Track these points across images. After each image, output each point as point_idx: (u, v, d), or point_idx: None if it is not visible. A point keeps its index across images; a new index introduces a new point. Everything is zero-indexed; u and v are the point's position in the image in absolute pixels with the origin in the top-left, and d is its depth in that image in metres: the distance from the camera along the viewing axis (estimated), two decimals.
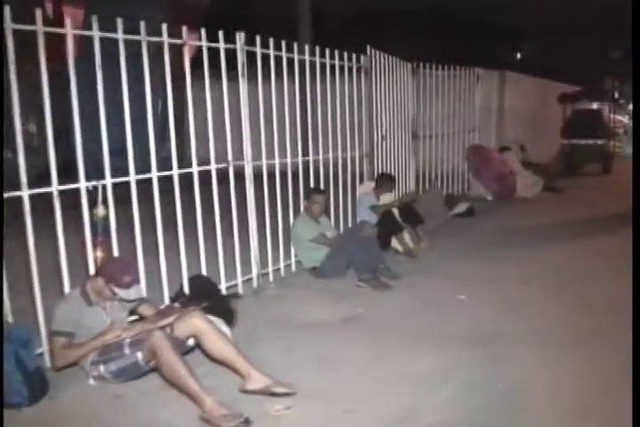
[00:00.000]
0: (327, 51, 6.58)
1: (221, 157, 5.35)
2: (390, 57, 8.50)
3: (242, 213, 5.65)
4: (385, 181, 7.34)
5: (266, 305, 5.42)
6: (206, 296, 4.91)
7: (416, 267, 6.60)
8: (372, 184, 7.42)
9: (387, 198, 7.35)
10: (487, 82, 12.13)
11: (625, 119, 29.79)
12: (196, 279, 5.19)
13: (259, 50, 5.60)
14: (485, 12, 25.39)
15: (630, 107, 32.11)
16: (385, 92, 8.33)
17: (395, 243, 7.14)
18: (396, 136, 8.95)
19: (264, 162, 5.82)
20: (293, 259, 6.36)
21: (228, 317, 4.80)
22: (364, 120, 7.48)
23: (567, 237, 7.91)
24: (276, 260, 6.16)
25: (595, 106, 16.73)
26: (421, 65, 9.85)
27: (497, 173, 11.14)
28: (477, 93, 11.78)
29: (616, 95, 19.65)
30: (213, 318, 4.57)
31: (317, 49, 6.44)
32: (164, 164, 4.93)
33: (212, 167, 5.26)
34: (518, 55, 34.04)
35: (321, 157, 6.62)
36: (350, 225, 7.17)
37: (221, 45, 5.22)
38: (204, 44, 5.10)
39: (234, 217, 5.52)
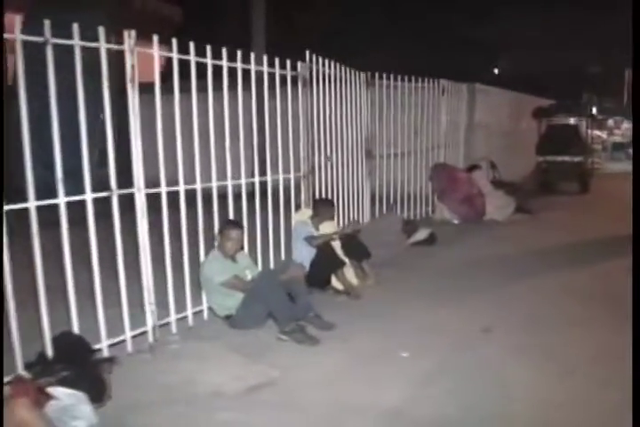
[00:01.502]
0: (252, 57, 5.56)
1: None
2: (339, 65, 7.51)
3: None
4: (323, 208, 6.29)
5: (159, 367, 4.34)
6: (73, 361, 3.88)
7: (356, 312, 5.54)
8: (310, 212, 6.37)
9: (327, 228, 6.31)
10: (454, 95, 11.16)
11: (604, 135, 29.17)
12: (62, 339, 4.10)
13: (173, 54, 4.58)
14: (460, 26, 24.73)
15: (610, 122, 31.66)
16: (331, 106, 7.34)
17: (335, 281, 6.09)
18: (347, 155, 7.95)
19: (163, 187, 4.77)
20: (205, 304, 5.28)
21: (96, 390, 3.74)
22: (302, 137, 6.46)
23: (536, 271, 6.88)
24: (182, 306, 5.08)
25: (572, 121, 15.78)
26: (377, 76, 8.85)
27: (464, 194, 10.15)
28: (443, 107, 10.82)
29: (594, 110, 18.81)
30: (73, 394, 3.55)
31: (245, 56, 5.42)
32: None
33: (115, 193, 4.20)
34: (495, 70, 33.43)
35: (243, 180, 5.56)
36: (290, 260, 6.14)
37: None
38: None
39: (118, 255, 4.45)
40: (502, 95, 14.67)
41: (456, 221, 10.19)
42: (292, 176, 6.31)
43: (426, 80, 10.11)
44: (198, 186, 5.06)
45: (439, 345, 4.70)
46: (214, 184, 5.22)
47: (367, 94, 8.60)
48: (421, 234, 8.44)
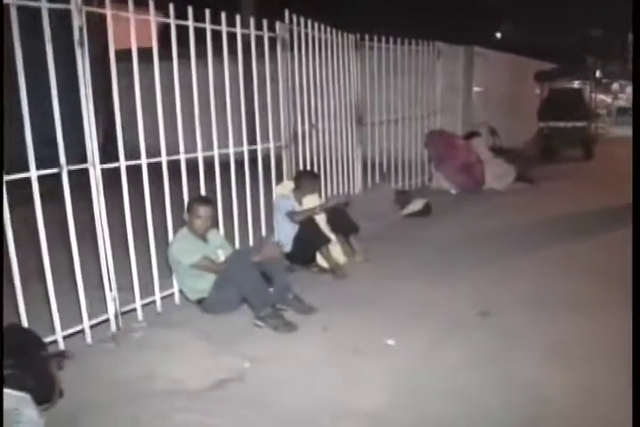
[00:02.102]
0: (224, 17, 5.05)
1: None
2: (323, 26, 6.99)
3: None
4: (306, 180, 5.83)
5: (120, 358, 3.94)
6: (20, 358, 3.49)
7: (341, 293, 5.13)
8: (292, 184, 5.92)
9: (311, 202, 5.86)
10: (451, 59, 10.62)
11: (608, 99, 28.48)
12: (8, 332, 3.70)
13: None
14: None
15: (614, 86, 30.94)
16: (315, 71, 6.84)
17: (320, 259, 5.68)
18: (335, 123, 7.48)
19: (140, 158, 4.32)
20: (176, 287, 4.87)
21: (45, 389, 3.37)
22: (282, 104, 5.98)
23: (537, 244, 6.45)
24: (149, 289, 4.68)
25: (575, 85, 15.18)
26: (367, 38, 8.31)
27: (461, 162, 9.67)
28: (439, 71, 10.27)
29: (598, 74, 18.18)
30: (17, 396, 3.19)
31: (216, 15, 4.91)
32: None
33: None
34: (497, 35, 32.63)
35: (216, 151, 5.11)
36: (266, 238, 5.73)
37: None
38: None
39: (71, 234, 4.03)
40: (502, 58, 14.11)
41: (453, 191, 9.74)
42: (271, 146, 5.85)
43: (420, 42, 9.55)
44: (164, 159, 4.62)
45: (429, 332, 4.28)
46: (182, 156, 4.77)
47: (357, 58, 8.08)
48: (416, 205, 8.00)
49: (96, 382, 3.65)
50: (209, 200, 4.68)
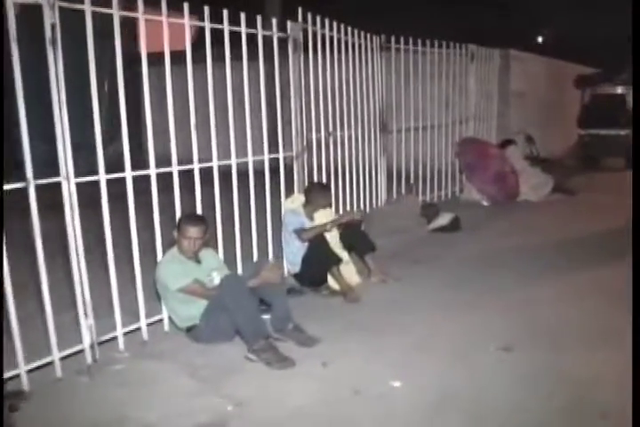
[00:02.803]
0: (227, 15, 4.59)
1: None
2: (344, 27, 6.50)
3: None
4: (317, 193, 5.33)
5: (92, 396, 3.52)
6: None
7: (350, 319, 4.61)
8: (303, 198, 5.43)
9: (323, 217, 5.36)
10: (485, 62, 10.01)
11: None
12: None
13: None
14: None
15: None
16: (335, 74, 6.37)
17: (332, 280, 5.17)
18: (358, 130, 6.98)
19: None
20: (165, 313, 4.40)
21: None
22: (294, 111, 5.50)
23: (573, 267, 5.84)
24: (134, 315, 4.23)
25: (619, 90, 14.42)
26: (393, 39, 7.79)
27: (494, 172, 9.07)
28: (472, 76, 9.70)
29: None
30: None
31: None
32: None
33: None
34: (536, 37, 31.72)
35: (215, 163, 4.65)
36: (264, 259, 5.26)
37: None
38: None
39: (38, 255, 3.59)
40: (540, 62, 13.46)
41: (485, 203, 9.15)
42: (280, 156, 5.37)
43: (452, 45, 8.99)
44: (153, 171, 4.17)
45: (441, 372, 3.74)
46: (175, 169, 4.31)
47: (382, 61, 7.57)
48: (443, 219, 7.45)
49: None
50: (201, 219, 4.19)
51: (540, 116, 13.42)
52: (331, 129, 6.32)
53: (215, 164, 4.63)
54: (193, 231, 4.02)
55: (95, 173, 3.81)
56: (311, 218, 5.36)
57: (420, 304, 4.88)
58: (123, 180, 4.00)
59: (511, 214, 8.50)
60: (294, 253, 5.25)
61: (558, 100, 14.88)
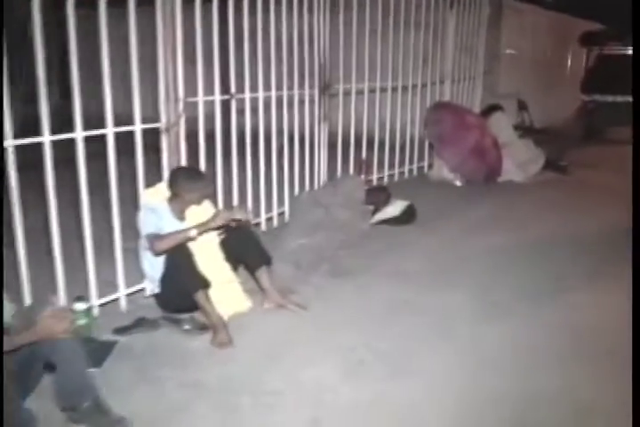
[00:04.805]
0: None
1: None
2: None
3: None
4: (183, 183, 3.67)
5: None
6: None
7: (207, 382, 3.05)
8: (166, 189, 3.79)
9: (199, 216, 3.74)
10: (471, 12, 8.22)
11: None
12: None
13: None
14: None
15: None
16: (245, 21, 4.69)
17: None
18: (281, 92, 5.34)
19: None
20: None
21: None
22: (162, 70, 3.86)
23: (555, 285, 4.28)
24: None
25: (629, 51, 12.61)
26: None
27: (471, 145, 7.39)
28: (451, 27, 7.94)
29: None
30: None
31: None
32: None
33: None
34: None
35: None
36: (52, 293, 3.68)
37: None
38: None
39: None
40: (540, 15, 11.60)
41: (459, 183, 7.53)
42: (136, 128, 3.75)
43: None
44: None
45: None
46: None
47: (325, 4, 5.82)
48: (394, 208, 5.84)
49: None
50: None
51: (538, 78, 11.64)
52: (234, 90, 4.67)
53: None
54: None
55: None
56: (181, 218, 3.75)
57: (318, 358, 3.31)
58: None
59: (487, 199, 6.85)
60: (153, 266, 3.68)
61: (560, 59, 13.04)
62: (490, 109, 8.47)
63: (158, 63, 3.82)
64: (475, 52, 8.59)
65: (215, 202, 4.42)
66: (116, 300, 3.86)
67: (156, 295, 3.78)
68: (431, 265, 4.75)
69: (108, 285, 3.83)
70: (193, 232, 3.49)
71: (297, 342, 3.47)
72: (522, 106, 10.36)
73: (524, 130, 9.41)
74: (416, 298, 4.07)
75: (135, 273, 3.92)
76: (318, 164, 6.04)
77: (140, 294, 4.00)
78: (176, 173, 3.72)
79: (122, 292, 3.86)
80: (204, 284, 3.50)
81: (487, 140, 7.59)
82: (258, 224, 5.16)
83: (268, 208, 5.41)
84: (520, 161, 7.92)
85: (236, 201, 4.94)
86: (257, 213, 5.13)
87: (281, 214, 5.60)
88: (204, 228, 3.54)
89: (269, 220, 5.46)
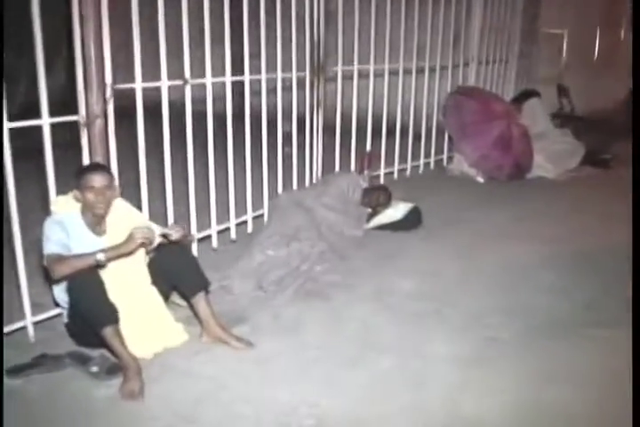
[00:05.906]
0: None
1: None
2: None
3: None
4: (78, 179, 2.91)
5: None
6: None
7: None
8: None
9: (120, 229, 3.01)
10: None
11: None
12: None
13: None
14: None
15: None
16: None
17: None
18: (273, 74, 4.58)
19: None
20: None
21: None
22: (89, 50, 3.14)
23: (584, 318, 3.45)
24: None
25: None
26: None
27: (495, 136, 6.50)
28: (478, 2, 7.01)
29: None
30: None
31: None
32: None
33: None
34: None
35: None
36: None
37: None
38: None
39: None
40: None
41: (481, 180, 6.64)
42: (43, 122, 3.04)
43: None
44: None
45: None
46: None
47: None
48: (395, 211, 5.03)
49: None
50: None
51: (583, 60, 10.55)
52: (187, 75, 3.91)
53: None
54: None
55: None
56: (99, 232, 3.04)
57: (257, 412, 2.57)
58: None
59: (511, 200, 5.96)
60: (62, 290, 2.98)
61: (609, 41, 11.87)
62: (524, 95, 7.55)
63: (74, 39, 3.08)
64: (508, 31, 7.63)
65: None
66: (23, 328, 3.17)
67: (66, 325, 3.09)
68: (427, 285, 3.95)
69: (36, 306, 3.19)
70: (100, 256, 2.76)
71: (224, 397, 2.72)
72: (562, 92, 9.32)
73: (562, 118, 8.42)
74: (396, 333, 3.29)
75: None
76: (310, 157, 5.25)
77: (58, 319, 3.30)
78: (85, 171, 2.98)
79: (28, 319, 3.16)
80: (114, 318, 2.78)
81: (515, 130, 6.65)
82: (225, 231, 4.42)
83: (241, 211, 4.64)
84: (554, 154, 6.98)
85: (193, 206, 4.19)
86: (224, 219, 4.39)
87: (258, 218, 4.83)
88: (114, 253, 2.81)
89: (240, 225, 4.68)
